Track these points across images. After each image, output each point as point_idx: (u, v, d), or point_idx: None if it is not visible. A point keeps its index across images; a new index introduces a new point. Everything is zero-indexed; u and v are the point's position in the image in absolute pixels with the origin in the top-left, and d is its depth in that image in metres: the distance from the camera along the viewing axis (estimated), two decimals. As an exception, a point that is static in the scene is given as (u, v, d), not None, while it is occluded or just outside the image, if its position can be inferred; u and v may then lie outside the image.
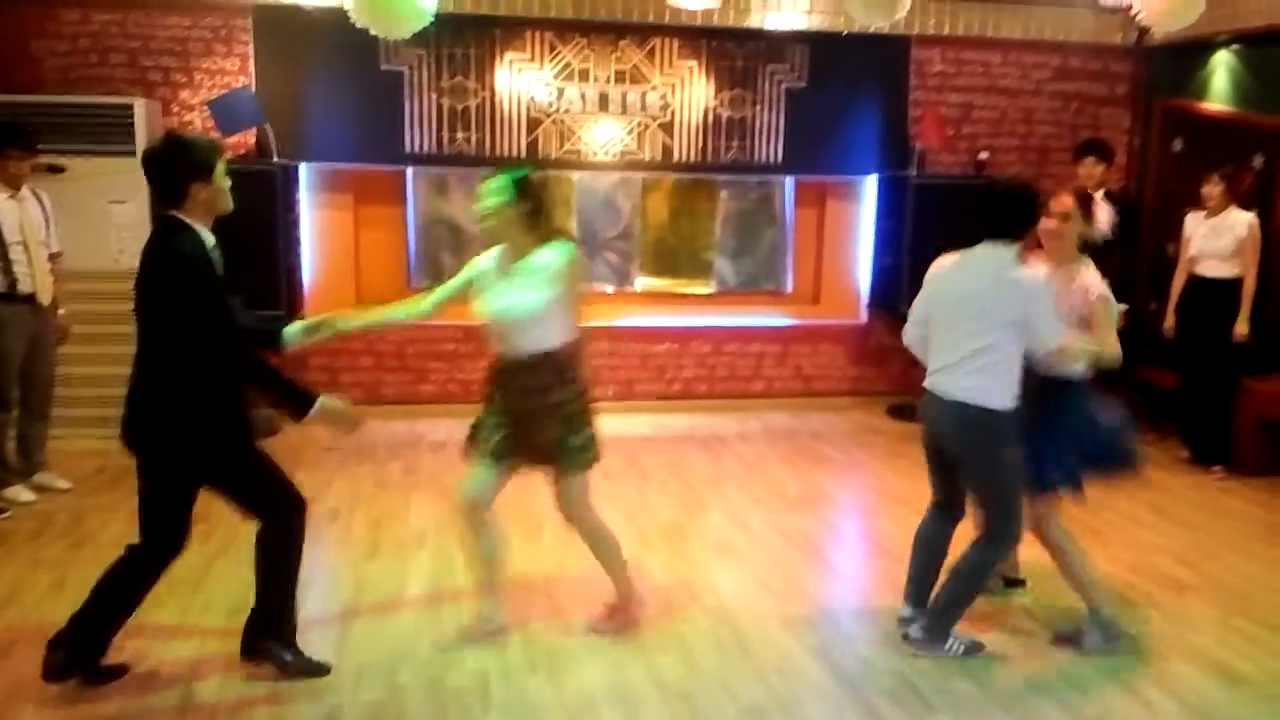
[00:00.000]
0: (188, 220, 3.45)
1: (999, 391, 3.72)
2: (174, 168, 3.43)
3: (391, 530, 5.17)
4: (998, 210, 3.79)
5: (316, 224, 7.15)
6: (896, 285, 7.43)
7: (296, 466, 6.09)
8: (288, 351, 3.77)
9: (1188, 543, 5.27)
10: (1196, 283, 6.49)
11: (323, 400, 3.53)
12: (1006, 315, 3.68)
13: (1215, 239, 6.35)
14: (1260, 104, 6.90)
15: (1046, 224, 3.97)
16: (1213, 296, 6.37)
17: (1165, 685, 3.82)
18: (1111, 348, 3.92)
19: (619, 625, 4.13)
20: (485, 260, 3.91)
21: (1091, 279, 3.99)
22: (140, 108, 6.30)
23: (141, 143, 6.26)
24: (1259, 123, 6.86)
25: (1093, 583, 4.07)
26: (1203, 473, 6.44)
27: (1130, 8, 4.60)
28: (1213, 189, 6.37)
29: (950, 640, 3.96)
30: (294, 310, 6.77)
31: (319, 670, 3.72)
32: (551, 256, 3.76)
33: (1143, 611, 4.42)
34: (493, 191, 3.76)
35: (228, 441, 3.53)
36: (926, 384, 3.93)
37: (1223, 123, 7.17)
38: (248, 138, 6.72)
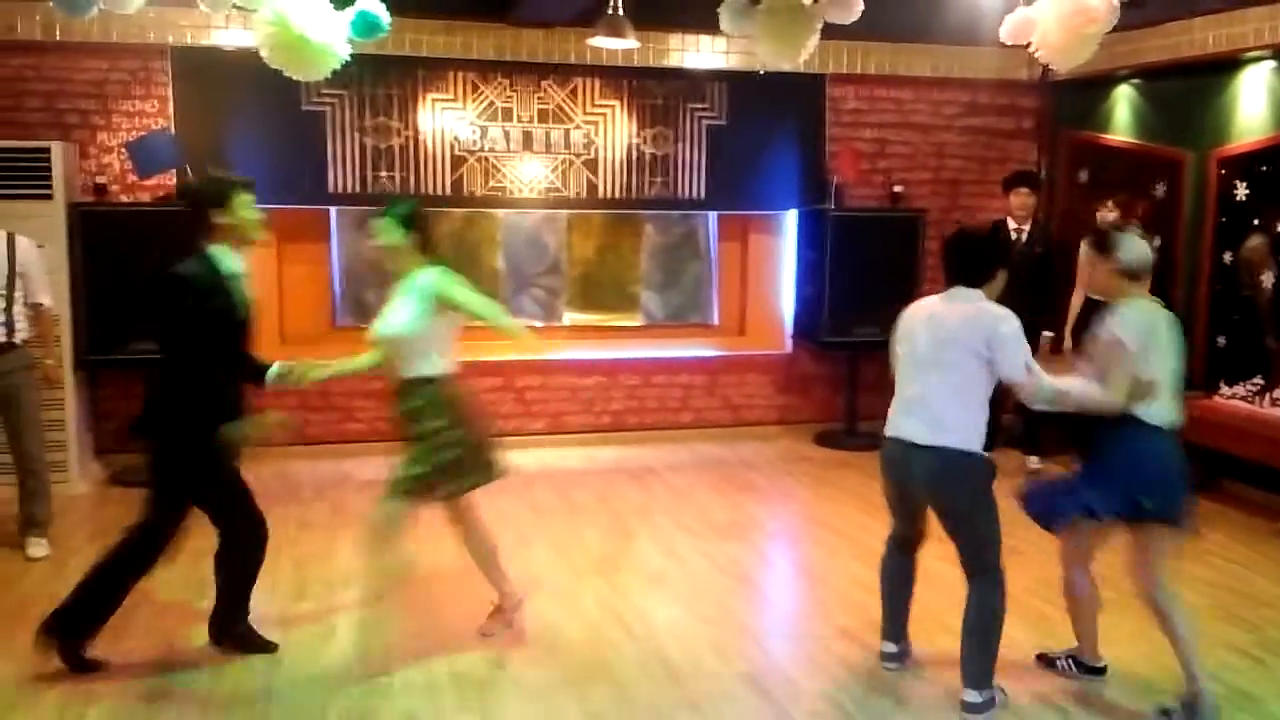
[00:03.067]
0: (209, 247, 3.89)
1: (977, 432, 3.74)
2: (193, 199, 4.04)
3: (318, 571, 5.13)
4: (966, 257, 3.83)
5: (239, 264, 7.08)
6: (818, 315, 7.60)
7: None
8: (266, 390, 4.17)
9: (1105, 561, 5.38)
10: (1089, 304, 6.77)
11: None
12: (972, 348, 3.68)
13: None
14: (1160, 135, 7.19)
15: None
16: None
17: (1084, 699, 3.95)
18: (1103, 395, 3.71)
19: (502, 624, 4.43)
20: None
21: (1111, 320, 3.81)
22: (57, 151, 6.21)
23: (59, 187, 6.18)
24: (1159, 153, 7.16)
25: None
26: None
27: (1030, 45, 4.78)
28: (1107, 214, 6.67)
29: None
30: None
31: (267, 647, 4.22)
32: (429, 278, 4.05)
33: (1065, 629, 4.54)
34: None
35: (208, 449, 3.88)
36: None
37: (1125, 153, 7.45)
38: (167, 180, 6.67)
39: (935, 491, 3.79)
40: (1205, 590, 5.05)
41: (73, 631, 3.95)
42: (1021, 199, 7.04)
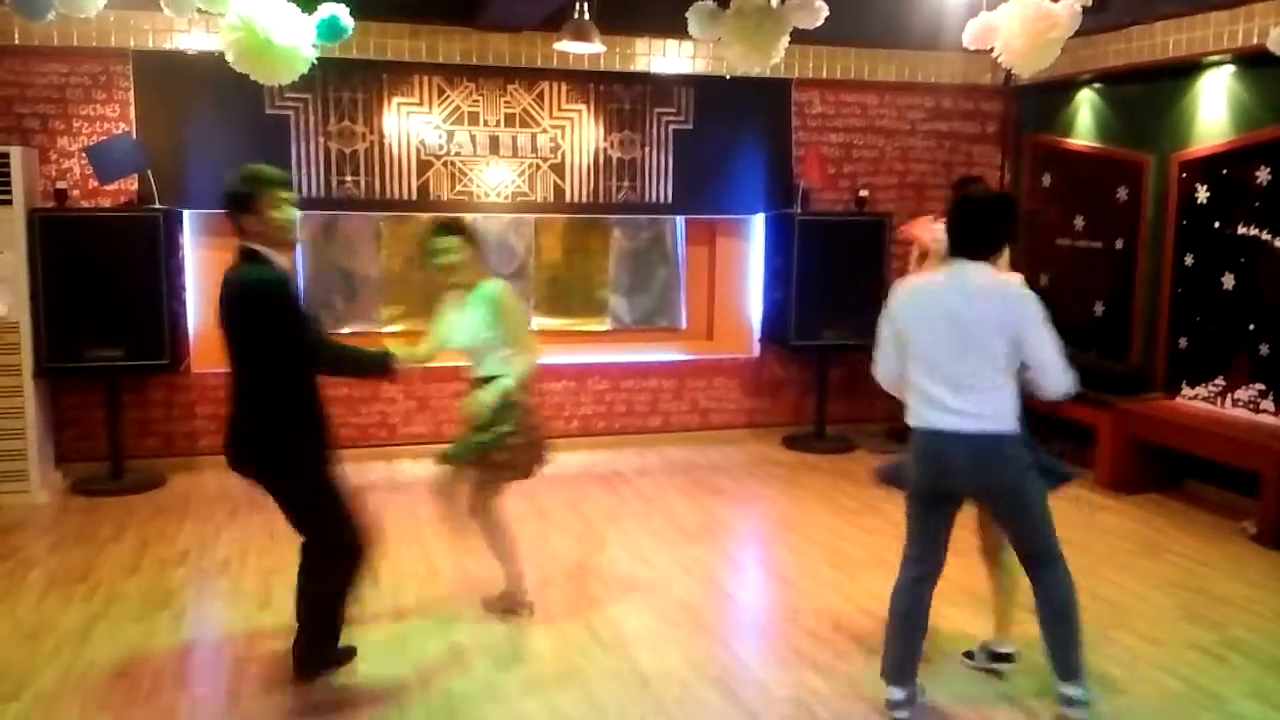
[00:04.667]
0: (257, 248, 3.68)
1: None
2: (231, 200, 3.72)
3: (284, 580, 5.04)
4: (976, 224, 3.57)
5: (202, 268, 6.98)
6: (786, 319, 7.63)
7: (184, 516, 5.99)
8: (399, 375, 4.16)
9: (1068, 559, 5.45)
10: None
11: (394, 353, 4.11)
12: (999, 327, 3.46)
13: None
14: (1122, 139, 7.28)
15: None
16: None
17: (1048, 697, 3.96)
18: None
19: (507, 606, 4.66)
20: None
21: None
22: (16, 156, 6.11)
23: (18, 192, 6.08)
24: (1121, 157, 7.24)
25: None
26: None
27: (993, 50, 4.83)
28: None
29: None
30: (178, 356, 6.62)
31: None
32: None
33: (1025, 629, 4.57)
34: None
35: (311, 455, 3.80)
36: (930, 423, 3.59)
37: (1088, 157, 7.53)
38: (129, 184, 6.59)
39: (983, 478, 3.57)
40: (1169, 590, 5.10)
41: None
42: None
